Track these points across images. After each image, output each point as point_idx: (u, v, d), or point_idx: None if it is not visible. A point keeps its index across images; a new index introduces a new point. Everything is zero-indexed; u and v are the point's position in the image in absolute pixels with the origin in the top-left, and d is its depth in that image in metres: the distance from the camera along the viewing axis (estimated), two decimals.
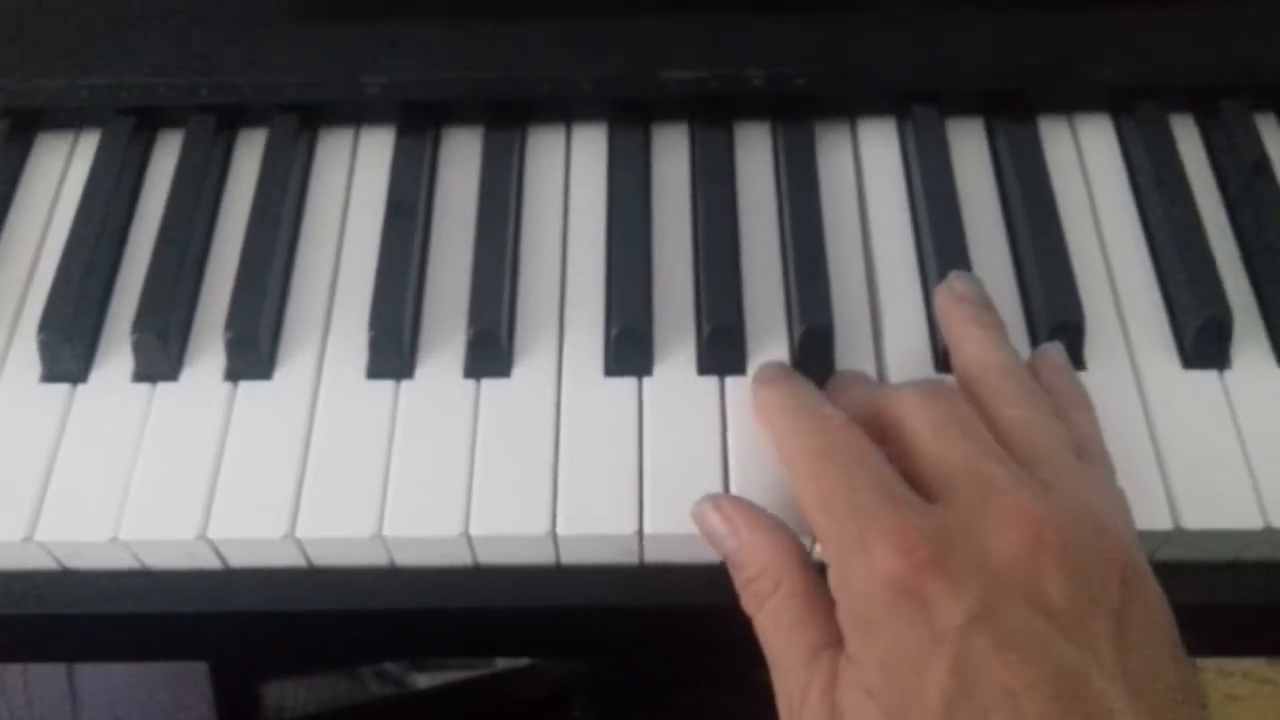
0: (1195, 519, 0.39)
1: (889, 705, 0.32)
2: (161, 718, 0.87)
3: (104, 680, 0.86)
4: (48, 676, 0.86)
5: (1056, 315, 0.42)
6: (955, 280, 0.42)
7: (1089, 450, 0.38)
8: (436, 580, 0.43)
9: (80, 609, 0.43)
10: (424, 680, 1.01)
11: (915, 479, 0.36)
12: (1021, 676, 0.30)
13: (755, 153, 0.49)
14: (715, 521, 0.38)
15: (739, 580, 0.38)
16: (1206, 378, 0.42)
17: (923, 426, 0.36)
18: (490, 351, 0.43)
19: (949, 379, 0.41)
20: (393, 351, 0.43)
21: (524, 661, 0.94)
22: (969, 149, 0.49)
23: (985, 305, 0.41)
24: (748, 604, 0.38)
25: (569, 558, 0.42)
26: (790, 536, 0.37)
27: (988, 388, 0.38)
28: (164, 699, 0.87)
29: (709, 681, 0.85)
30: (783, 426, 0.39)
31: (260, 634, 0.46)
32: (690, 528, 0.40)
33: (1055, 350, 0.41)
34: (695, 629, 0.46)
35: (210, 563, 0.42)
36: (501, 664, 0.96)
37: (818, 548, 0.39)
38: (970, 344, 0.40)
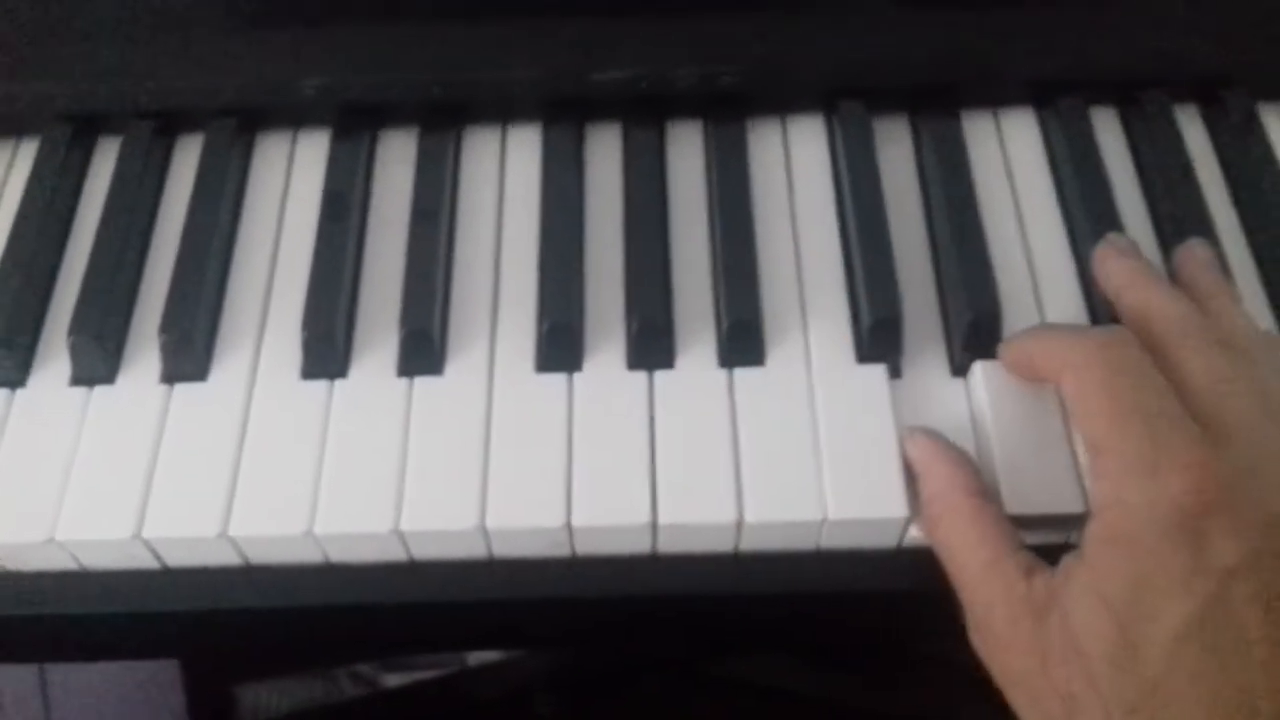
0: None
1: (1126, 619, 0.33)
2: (134, 718, 0.87)
3: (75, 680, 0.87)
4: (18, 676, 0.86)
5: (973, 307, 0.43)
6: (1117, 239, 0.44)
7: None
8: (385, 576, 0.43)
9: (44, 609, 0.44)
10: (395, 680, 1.02)
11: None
12: (1260, 632, 0.32)
13: (687, 150, 0.50)
14: (908, 448, 0.41)
15: (922, 500, 0.40)
16: None
17: (1206, 372, 0.37)
18: (422, 350, 0.44)
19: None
20: (326, 352, 0.44)
21: (492, 658, 0.94)
22: (896, 144, 0.50)
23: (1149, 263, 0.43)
24: (926, 526, 0.40)
25: (501, 551, 0.43)
26: (968, 468, 0.39)
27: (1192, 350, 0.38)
28: (136, 699, 0.87)
29: (669, 673, 0.86)
30: (1064, 336, 0.39)
31: (228, 632, 0.46)
32: (618, 520, 0.41)
33: (1200, 245, 0.44)
34: (643, 619, 0.46)
35: (148, 563, 0.43)
36: (472, 660, 0.97)
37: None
38: (1161, 302, 0.40)
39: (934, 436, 0.41)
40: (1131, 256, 0.42)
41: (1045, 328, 0.42)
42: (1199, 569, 0.33)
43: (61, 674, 0.87)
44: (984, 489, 0.39)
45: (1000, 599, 0.37)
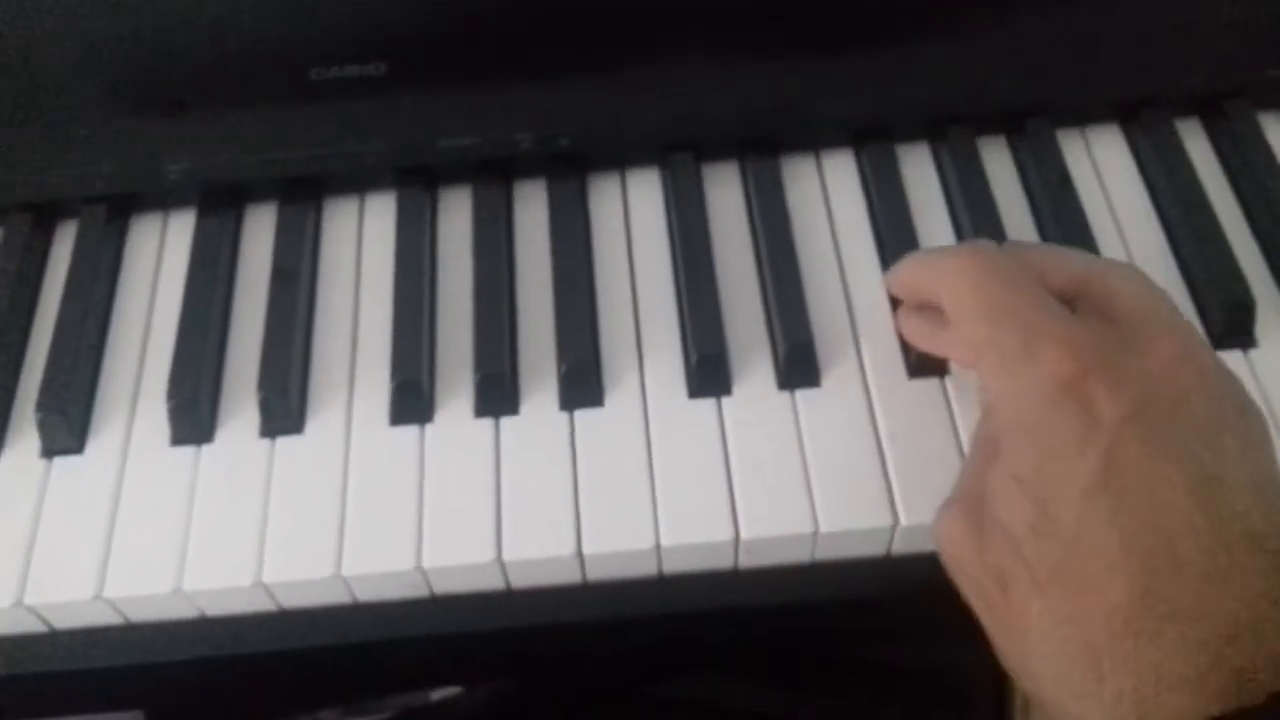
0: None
1: (1035, 490, 0.36)
2: None
3: None
4: None
5: (788, 339, 0.47)
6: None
7: None
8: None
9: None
10: None
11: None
12: (1161, 469, 0.34)
13: (532, 208, 0.54)
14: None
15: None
16: (929, 384, 0.47)
17: (1095, 262, 0.41)
18: (280, 411, 0.47)
19: None
20: (190, 419, 0.47)
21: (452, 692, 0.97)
22: (729, 187, 0.54)
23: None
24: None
25: (362, 595, 0.46)
26: None
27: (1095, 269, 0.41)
28: None
29: (619, 697, 0.88)
30: (935, 256, 0.43)
31: (190, 682, 0.49)
32: (466, 559, 0.44)
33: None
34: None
35: (37, 627, 0.46)
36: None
37: None
38: (1064, 256, 0.43)
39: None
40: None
41: (919, 256, 0.45)
42: (1091, 426, 0.35)
43: None
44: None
45: (962, 503, 0.39)
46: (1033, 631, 0.36)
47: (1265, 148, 0.52)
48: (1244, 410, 0.37)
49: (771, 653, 0.78)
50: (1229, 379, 0.37)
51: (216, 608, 0.46)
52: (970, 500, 0.39)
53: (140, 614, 0.46)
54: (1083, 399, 0.36)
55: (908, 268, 0.45)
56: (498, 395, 0.47)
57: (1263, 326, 0.48)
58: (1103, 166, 0.53)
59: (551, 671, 0.78)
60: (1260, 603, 0.33)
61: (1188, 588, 0.33)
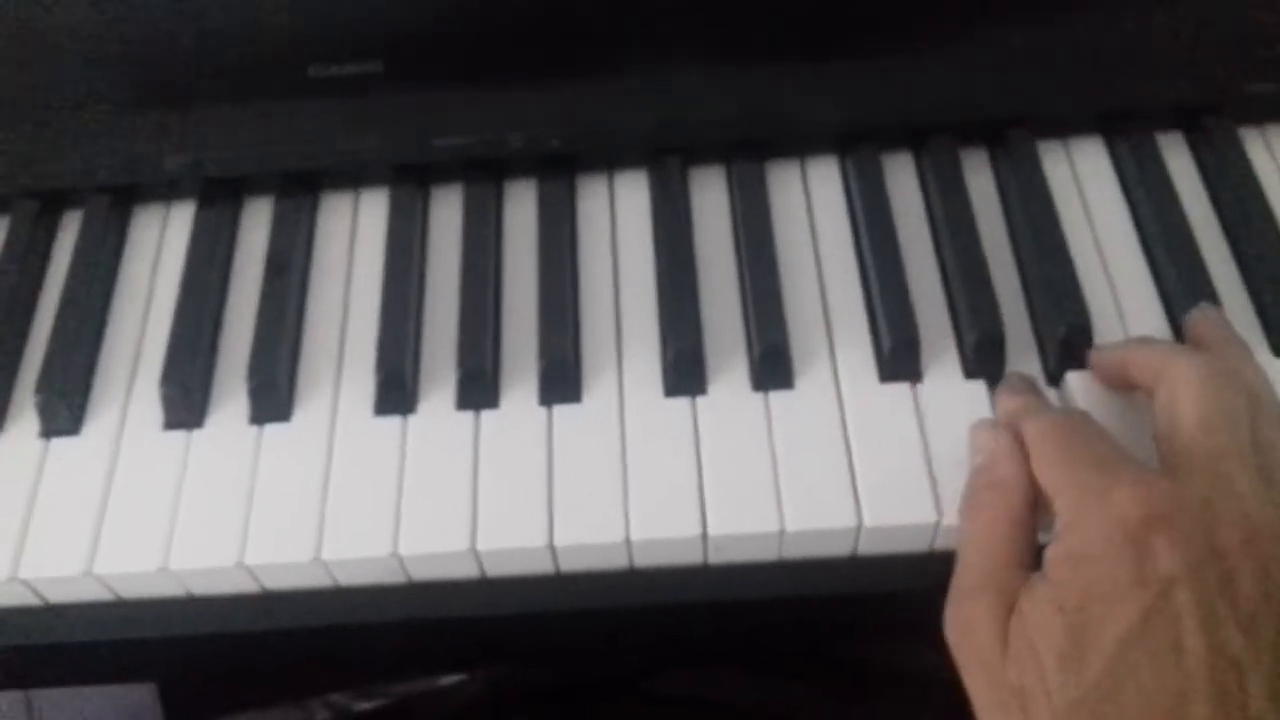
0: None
1: (1074, 625, 0.37)
2: None
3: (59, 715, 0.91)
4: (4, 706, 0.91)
5: (765, 339, 0.48)
6: (1209, 309, 0.48)
7: None
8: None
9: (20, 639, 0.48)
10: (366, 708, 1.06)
11: (1160, 440, 0.40)
12: (1194, 640, 0.35)
13: (522, 208, 0.55)
14: (987, 435, 0.44)
15: (975, 484, 0.43)
16: (900, 389, 0.48)
17: (1194, 407, 0.40)
18: (269, 399, 0.49)
19: None
20: (184, 406, 0.49)
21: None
22: (711, 192, 0.55)
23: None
24: (968, 507, 0.43)
25: (343, 579, 0.47)
26: (1029, 478, 0.42)
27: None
28: None
29: (620, 691, 0.90)
30: (1021, 408, 0.44)
31: (204, 657, 0.50)
32: (441, 546, 0.46)
33: (1209, 307, 0.48)
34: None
35: (29, 600, 0.48)
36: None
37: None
38: (1234, 361, 0.43)
39: (1014, 439, 0.43)
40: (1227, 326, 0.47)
41: (1006, 398, 0.46)
42: (1142, 578, 0.36)
43: (47, 702, 0.91)
44: (1034, 502, 0.42)
45: (991, 598, 0.40)
46: None
47: (1244, 162, 0.53)
48: None
49: (770, 649, 0.79)
50: None
51: (202, 587, 0.47)
52: (1003, 600, 0.40)
53: (128, 590, 0.47)
54: (1141, 547, 0.36)
55: (1009, 410, 0.45)
56: (479, 389, 0.49)
57: None
58: (1083, 178, 0.54)
59: (532, 661, 0.80)
60: None
61: None
